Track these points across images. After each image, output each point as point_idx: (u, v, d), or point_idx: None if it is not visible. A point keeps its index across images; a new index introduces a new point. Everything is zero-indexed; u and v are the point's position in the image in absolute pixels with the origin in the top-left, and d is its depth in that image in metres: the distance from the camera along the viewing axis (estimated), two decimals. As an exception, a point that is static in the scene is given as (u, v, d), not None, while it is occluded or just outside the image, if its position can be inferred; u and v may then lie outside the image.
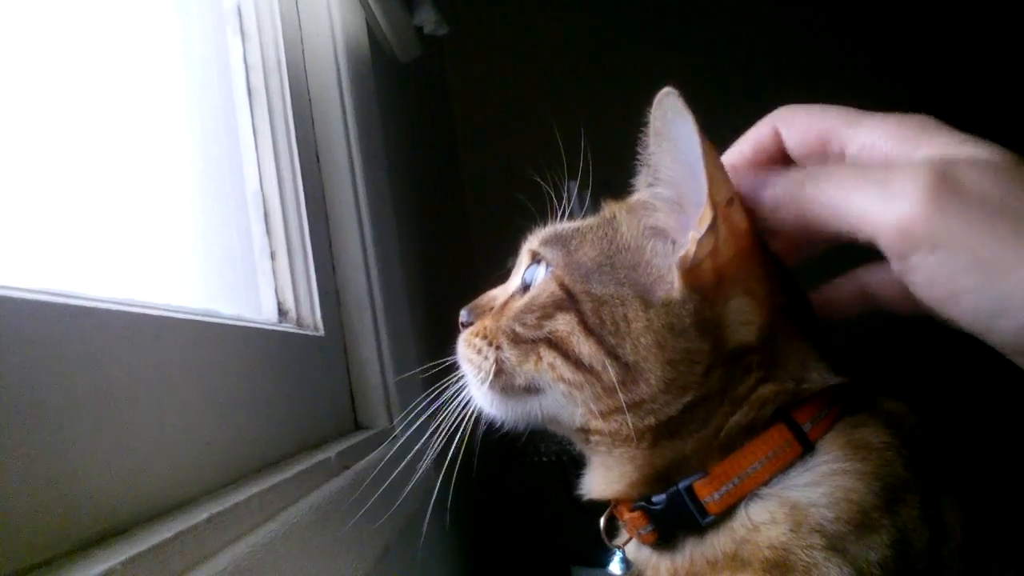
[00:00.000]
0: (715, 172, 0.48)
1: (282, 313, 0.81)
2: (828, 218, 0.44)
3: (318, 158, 0.92)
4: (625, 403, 0.50)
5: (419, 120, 1.72)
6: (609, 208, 0.58)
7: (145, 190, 0.62)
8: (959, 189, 0.40)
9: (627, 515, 0.55)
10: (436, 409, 0.60)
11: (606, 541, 0.59)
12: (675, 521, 0.52)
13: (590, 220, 0.58)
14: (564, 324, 0.53)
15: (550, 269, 0.56)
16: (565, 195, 0.63)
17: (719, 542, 0.50)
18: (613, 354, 0.51)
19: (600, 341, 0.51)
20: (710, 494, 0.50)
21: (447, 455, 0.60)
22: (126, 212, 0.59)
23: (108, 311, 0.45)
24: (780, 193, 0.47)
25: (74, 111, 0.55)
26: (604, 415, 0.52)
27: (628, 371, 0.50)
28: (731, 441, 0.50)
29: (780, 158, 0.52)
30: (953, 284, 0.40)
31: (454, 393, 0.60)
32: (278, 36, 0.86)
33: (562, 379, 0.53)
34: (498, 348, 0.56)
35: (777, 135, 0.52)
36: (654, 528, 0.53)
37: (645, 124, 0.51)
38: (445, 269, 1.67)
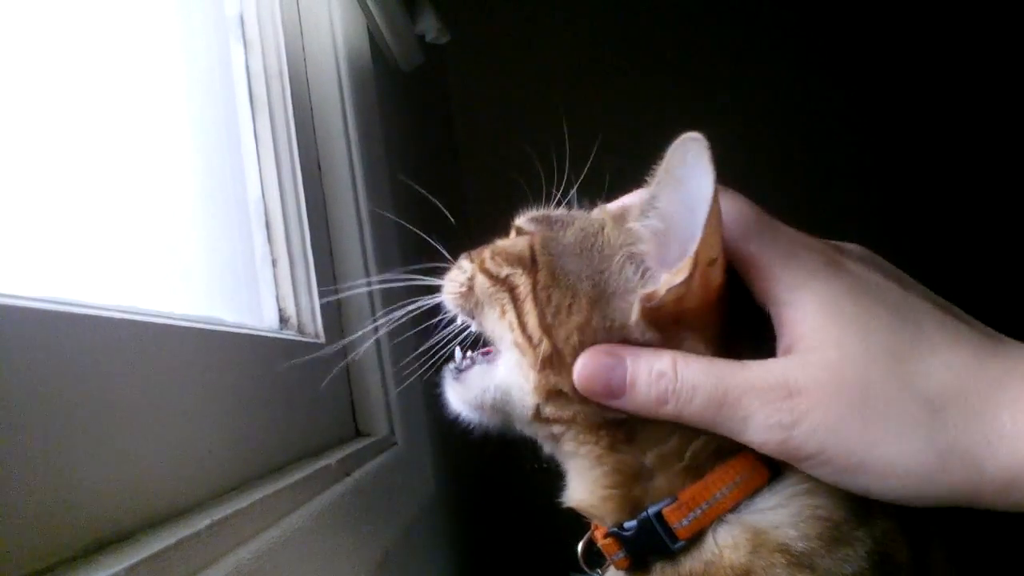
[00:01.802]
0: (712, 233, 0.47)
1: (283, 320, 0.81)
2: None
3: (319, 166, 0.93)
4: (555, 384, 0.51)
5: (421, 128, 1.73)
6: (603, 212, 0.58)
7: (147, 198, 0.63)
8: (804, 424, 0.43)
9: (601, 541, 0.55)
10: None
11: (584, 567, 0.59)
12: (646, 547, 0.52)
13: (584, 213, 0.59)
14: (520, 282, 0.55)
15: (528, 235, 0.58)
16: (566, 197, 0.63)
17: (690, 566, 0.50)
18: (548, 332, 0.52)
19: (542, 315, 0.52)
20: (679, 520, 0.50)
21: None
22: (128, 220, 0.59)
23: (110, 319, 0.45)
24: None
25: (76, 119, 0.55)
26: (546, 393, 0.52)
27: (555, 355, 0.51)
28: (699, 465, 0.51)
29: None
30: (818, 471, 0.45)
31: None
32: (280, 44, 0.87)
33: (515, 343, 0.54)
34: (474, 265, 0.59)
35: None
36: (626, 554, 0.53)
37: (660, 154, 0.50)
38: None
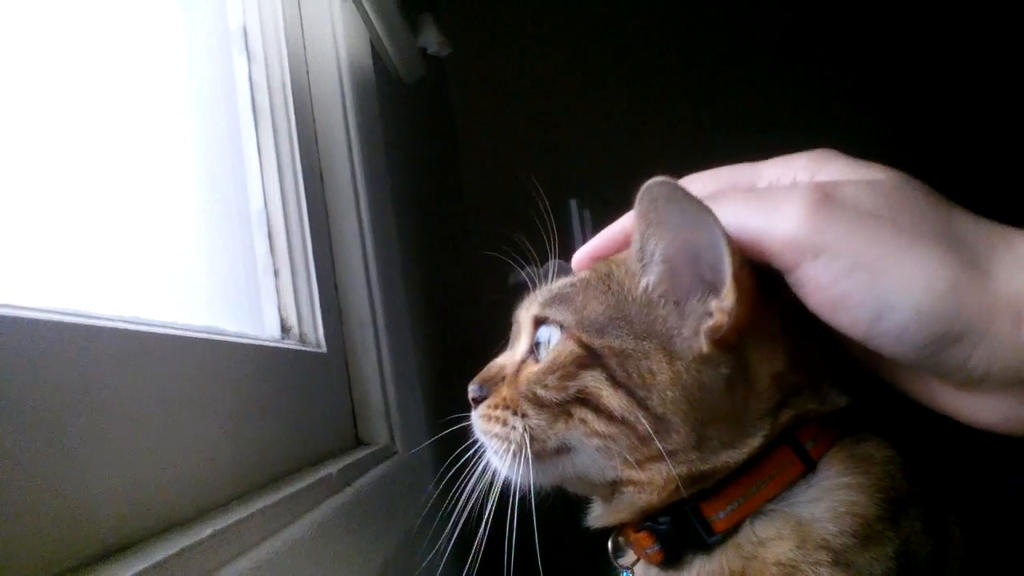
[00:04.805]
0: (734, 251, 0.47)
1: (285, 330, 0.81)
2: None
3: (322, 177, 0.93)
4: (662, 450, 0.50)
5: (422, 140, 1.73)
6: (604, 263, 0.57)
7: (150, 208, 0.63)
8: (840, 202, 0.44)
9: (633, 535, 0.55)
10: (457, 490, 0.58)
11: (613, 562, 0.59)
12: (681, 540, 0.52)
13: (582, 276, 0.57)
14: (592, 380, 0.52)
15: (562, 329, 0.55)
16: (542, 271, 0.62)
17: (727, 560, 0.50)
18: (643, 405, 0.50)
19: (630, 393, 0.51)
20: (716, 513, 0.50)
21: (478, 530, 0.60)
22: (131, 230, 0.60)
23: (113, 329, 0.46)
24: None
25: (81, 130, 0.56)
26: (640, 463, 0.51)
27: (659, 422, 0.50)
28: (742, 465, 0.50)
29: None
30: (837, 287, 0.43)
31: (474, 470, 0.58)
32: (283, 56, 0.87)
33: (596, 433, 0.52)
34: (524, 416, 0.54)
35: None
36: (660, 547, 0.53)
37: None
38: (446, 287, 1.68)
